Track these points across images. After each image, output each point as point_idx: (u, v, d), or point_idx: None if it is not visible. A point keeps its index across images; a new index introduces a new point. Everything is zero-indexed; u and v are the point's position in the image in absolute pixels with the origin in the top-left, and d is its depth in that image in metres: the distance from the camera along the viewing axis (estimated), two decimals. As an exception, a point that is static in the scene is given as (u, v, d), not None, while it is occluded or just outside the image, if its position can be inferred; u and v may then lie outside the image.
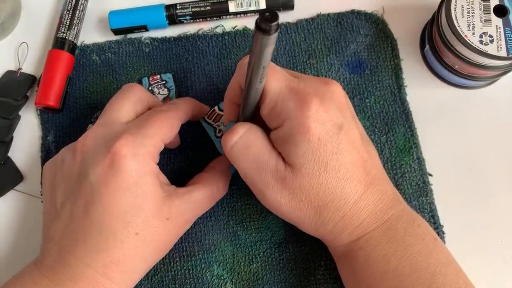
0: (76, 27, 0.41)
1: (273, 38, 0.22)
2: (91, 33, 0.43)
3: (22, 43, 0.43)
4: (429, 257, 0.29)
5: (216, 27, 0.42)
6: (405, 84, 0.40)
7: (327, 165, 0.29)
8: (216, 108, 0.38)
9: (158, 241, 0.31)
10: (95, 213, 0.29)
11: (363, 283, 0.30)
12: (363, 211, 0.29)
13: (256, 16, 0.42)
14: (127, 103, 0.33)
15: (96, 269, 0.28)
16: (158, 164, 0.32)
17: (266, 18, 0.21)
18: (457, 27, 0.35)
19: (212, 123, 0.38)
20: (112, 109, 0.33)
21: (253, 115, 0.32)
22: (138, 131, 0.31)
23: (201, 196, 0.33)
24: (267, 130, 0.31)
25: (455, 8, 0.36)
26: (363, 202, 0.29)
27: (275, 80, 0.29)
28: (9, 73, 0.42)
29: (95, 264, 0.28)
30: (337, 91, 0.30)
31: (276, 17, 0.21)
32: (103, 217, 0.29)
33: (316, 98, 0.29)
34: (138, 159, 0.30)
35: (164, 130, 0.32)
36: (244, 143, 0.30)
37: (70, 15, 0.41)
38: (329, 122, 0.29)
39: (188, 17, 0.41)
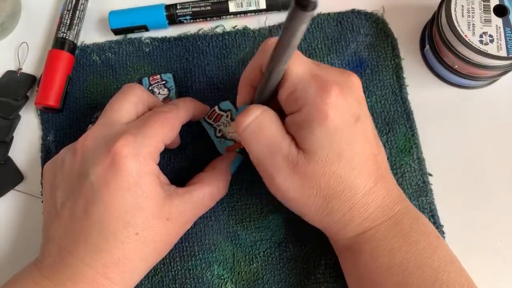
0: (76, 27, 0.41)
1: (310, 15, 0.22)
2: (91, 33, 0.43)
3: (22, 43, 0.43)
4: (433, 254, 0.29)
5: (216, 27, 0.42)
6: (405, 84, 0.40)
7: (341, 154, 0.29)
8: (216, 108, 0.38)
9: (158, 241, 0.31)
10: (95, 213, 0.29)
11: (367, 278, 0.30)
12: (371, 204, 0.29)
13: (256, 16, 0.42)
14: (128, 103, 0.33)
15: (96, 269, 0.28)
16: (158, 164, 0.32)
17: None
18: (457, 27, 0.35)
19: (212, 123, 0.38)
20: (112, 109, 0.33)
21: (269, 98, 0.32)
22: (138, 131, 0.30)
23: (201, 196, 0.33)
24: (280, 115, 0.31)
25: (455, 8, 0.36)
26: (372, 195, 0.29)
27: (298, 64, 0.29)
28: (9, 73, 0.42)
29: (95, 264, 0.28)
30: (356, 83, 0.31)
31: None
32: (104, 217, 0.29)
33: (337, 86, 0.29)
34: (139, 159, 0.29)
35: (165, 130, 0.32)
36: (257, 125, 0.30)
37: (70, 15, 0.41)
38: (347, 112, 0.29)
39: (188, 17, 0.41)
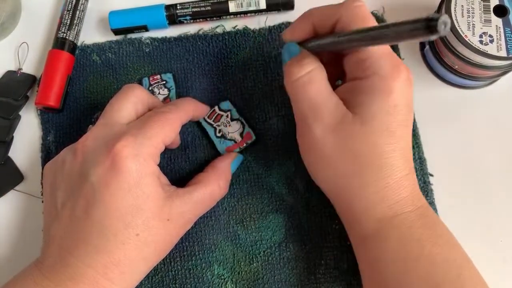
0: (76, 27, 0.41)
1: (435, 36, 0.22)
2: (91, 33, 0.43)
3: (22, 43, 0.43)
4: (455, 250, 0.29)
5: (217, 27, 0.42)
6: (405, 84, 0.40)
7: (392, 132, 0.29)
8: (216, 108, 0.38)
9: (159, 242, 0.31)
10: (95, 214, 0.29)
11: (393, 267, 0.29)
12: (405, 189, 0.29)
13: (256, 17, 0.42)
14: (128, 103, 0.33)
15: (97, 269, 0.28)
16: (158, 164, 0.32)
17: (439, 21, 0.20)
18: (457, 27, 0.35)
19: (213, 123, 0.38)
20: (112, 110, 0.33)
21: (327, 52, 0.32)
22: (139, 132, 0.30)
23: (201, 196, 0.33)
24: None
25: (455, 8, 0.36)
26: (406, 181, 0.30)
27: None
28: (9, 73, 0.42)
29: (96, 265, 0.28)
30: (412, 79, 0.31)
31: (447, 24, 0.20)
32: (104, 218, 0.29)
33: (407, 70, 0.29)
34: (139, 160, 0.30)
35: (165, 131, 0.32)
36: (309, 79, 0.30)
37: (70, 15, 0.41)
38: (408, 97, 0.30)
39: (188, 17, 0.41)
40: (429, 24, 0.20)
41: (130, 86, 0.34)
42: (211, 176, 0.34)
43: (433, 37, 0.21)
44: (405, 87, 0.29)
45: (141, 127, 0.31)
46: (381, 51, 0.29)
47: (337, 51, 0.32)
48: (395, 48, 0.40)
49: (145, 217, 0.29)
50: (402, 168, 0.29)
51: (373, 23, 0.30)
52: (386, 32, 0.24)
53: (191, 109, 0.35)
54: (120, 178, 0.29)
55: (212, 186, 0.33)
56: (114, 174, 0.29)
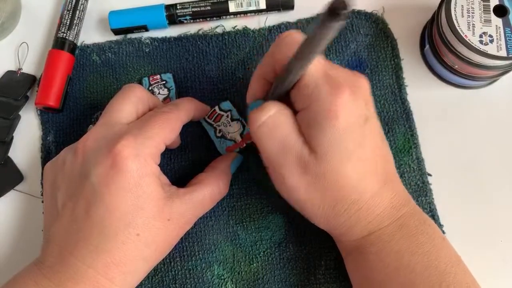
0: (76, 27, 0.41)
1: (342, 24, 0.22)
2: (91, 33, 0.43)
3: (22, 43, 0.43)
4: (439, 256, 0.29)
5: (216, 27, 0.42)
6: (405, 84, 0.40)
7: (350, 155, 0.29)
8: (216, 108, 0.38)
9: (159, 242, 0.31)
10: (96, 214, 0.29)
11: (374, 279, 0.30)
12: (378, 206, 0.29)
13: (256, 16, 0.42)
14: (128, 103, 0.33)
15: (97, 269, 0.28)
16: (159, 164, 0.32)
17: (340, 4, 0.21)
18: (457, 27, 0.35)
19: (213, 123, 0.38)
20: (113, 110, 0.33)
21: (284, 95, 0.31)
22: (139, 132, 0.30)
23: (201, 197, 0.33)
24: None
25: (455, 8, 0.36)
26: (379, 197, 0.30)
27: (315, 62, 0.29)
28: (9, 73, 0.42)
29: (96, 265, 0.28)
30: (365, 85, 0.31)
31: (349, 5, 0.21)
32: (104, 218, 0.29)
33: (348, 88, 0.29)
34: (140, 160, 0.29)
35: (166, 131, 0.31)
36: (273, 123, 0.30)
37: (70, 15, 0.41)
38: (357, 113, 0.29)
39: (188, 17, 0.41)
40: (329, 8, 0.21)
41: (130, 86, 0.34)
42: (211, 177, 0.34)
43: (338, 21, 0.21)
44: (350, 104, 0.28)
45: (142, 127, 0.31)
46: (318, 77, 0.29)
47: (289, 89, 0.31)
48: (394, 48, 0.40)
49: (145, 217, 0.29)
50: (372, 186, 0.29)
51: None
52: (307, 42, 0.25)
53: (192, 109, 0.35)
54: (121, 178, 0.29)
55: (211, 187, 0.33)
56: (114, 174, 0.29)
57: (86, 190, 0.29)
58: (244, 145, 0.37)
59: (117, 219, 0.29)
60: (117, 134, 0.30)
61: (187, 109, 0.34)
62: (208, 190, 0.33)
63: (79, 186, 0.30)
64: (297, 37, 0.30)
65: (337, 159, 0.28)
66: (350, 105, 0.28)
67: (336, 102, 0.28)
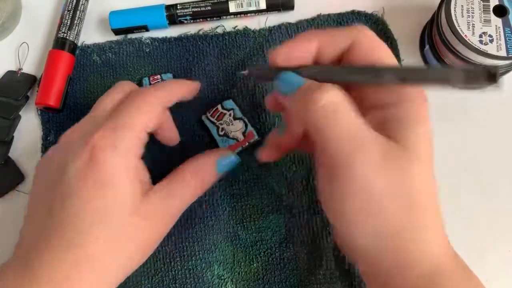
0: (76, 27, 0.41)
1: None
2: (91, 33, 0.43)
3: (22, 43, 0.43)
4: None
5: (217, 27, 0.42)
6: (405, 84, 0.40)
7: (432, 162, 0.26)
8: (219, 106, 0.38)
9: (138, 239, 0.29)
10: (70, 208, 0.28)
11: None
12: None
13: (256, 17, 0.42)
14: (113, 94, 0.32)
15: (69, 264, 0.27)
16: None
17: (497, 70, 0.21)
18: (457, 27, 0.35)
19: (215, 121, 0.38)
20: (98, 103, 0.32)
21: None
22: (117, 122, 0.29)
23: (182, 190, 0.31)
24: None
25: (455, 8, 0.36)
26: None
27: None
28: (9, 73, 0.42)
29: (68, 259, 0.27)
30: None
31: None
32: (78, 212, 0.27)
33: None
34: (118, 153, 0.28)
35: (145, 117, 0.30)
36: (334, 107, 0.25)
37: (70, 15, 0.41)
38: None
39: (188, 17, 0.41)
40: (490, 73, 0.21)
41: (120, 82, 0.33)
42: (186, 170, 0.32)
43: (489, 87, 0.21)
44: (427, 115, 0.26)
45: (118, 115, 0.29)
46: None
47: (347, 83, 0.27)
48: (394, 49, 0.40)
49: (121, 213, 0.28)
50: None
51: (385, 49, 0.27)
52: (428, 74, 0.24)
53: (173, 88, 0.32)
54: (97, 172, 0.28)
55: (194, 180, 0.32)
56: (91, 168, 0.28)
57: (62, 183, 0.28)
58: (247, 144, 0.37)
59: (91, 213, 0.27)
60: (96, 125, 0.29)
61: (166, 89, 0.32)
62: (190, 184, 0.31)
63: (57, 180, 0.29)
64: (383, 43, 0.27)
65: (429, 160, 0.25)
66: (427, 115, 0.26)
67: (425, 107, 0.26)
